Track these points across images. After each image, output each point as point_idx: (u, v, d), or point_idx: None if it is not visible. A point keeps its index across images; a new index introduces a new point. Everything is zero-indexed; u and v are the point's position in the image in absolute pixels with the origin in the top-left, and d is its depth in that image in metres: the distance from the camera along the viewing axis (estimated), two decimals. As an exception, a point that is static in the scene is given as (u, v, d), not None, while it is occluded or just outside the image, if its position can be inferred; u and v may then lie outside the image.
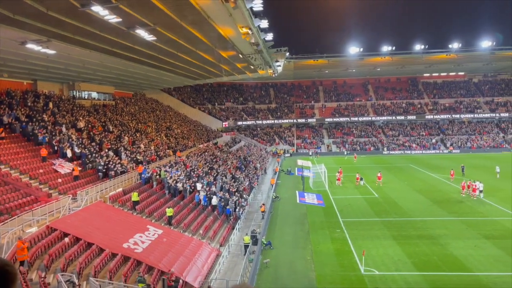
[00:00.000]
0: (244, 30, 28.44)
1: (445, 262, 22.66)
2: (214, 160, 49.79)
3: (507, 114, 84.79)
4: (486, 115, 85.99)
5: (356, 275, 21.71)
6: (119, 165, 32.46)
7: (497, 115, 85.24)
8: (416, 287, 20.08)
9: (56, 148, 30.68)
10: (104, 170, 30.57)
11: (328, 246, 26.37)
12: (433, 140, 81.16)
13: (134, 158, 36.39)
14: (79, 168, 29.21)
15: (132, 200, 28.13)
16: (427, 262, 22.82)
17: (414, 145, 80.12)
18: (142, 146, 41.56)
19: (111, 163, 31.74)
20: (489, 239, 25.89)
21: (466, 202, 36.22)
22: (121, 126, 45.27)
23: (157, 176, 34.19)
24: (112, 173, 30.43)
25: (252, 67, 48.96)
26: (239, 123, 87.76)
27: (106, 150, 34.45)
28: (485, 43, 71.44)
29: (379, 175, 45.58)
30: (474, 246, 24.84)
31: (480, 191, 37.08)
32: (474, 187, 37.62)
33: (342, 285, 20.76)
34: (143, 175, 33.16)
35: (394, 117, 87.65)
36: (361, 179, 45.76)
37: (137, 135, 45.38)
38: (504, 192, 38.51)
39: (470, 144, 78.30)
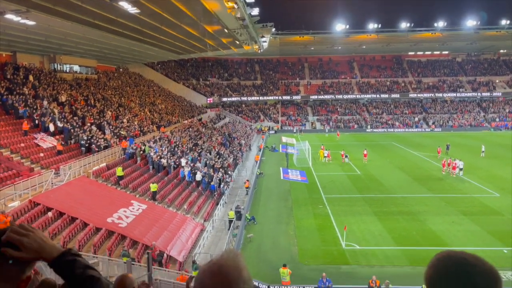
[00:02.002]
0: (230, 4, 28.01)
1: (423, 237, 23.36)
2: (198, 136, 49.68)
3: (488, 94, 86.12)
4: (468, 94, 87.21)
5: (338, 249, 22.26)
6: (102, 140, 32.14)
7: (479, 94, 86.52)
8: (395, 261, 20.74)
9: (37, 122, 30.15)
10: (87, 145, 30.25)
11: (311, 221, 26.85)
12: (416, 119, 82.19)
13: (118, 133, 36.05)
14: (62, 143, 28.84)
15: (117, 175, 28.02)
16: (406, 237, 23.49)
17: (397, 123, 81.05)
18: (125, 121, 41.14)
19: (94, 138, 31.40)
20: (467, 215, 26.69)
21: (446, 179, 37.08)
22: (104, 101, 44.60)
23: (141, 152, 34.02)
24: (95, 148, 30.15)
25: (237, 42, 48.42)
26: (224, 99, 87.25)
27: (89, 125, 34.01)
28: (470, 22, 71.74)
29: (365, 152, 46.13)
30: (451, 222, 25.61)
31: (460, 169, 37.95)
32: (454, 165, 38.47)
33: (324, 259, 21.28)
34: (127, 151, 32.91)
35: (378, 95, 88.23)
36: (346, 156, 46.29)
37: (120, 110, 44.82)
38: (483, 171, 39.51)
39: (452, 123, 79.58)
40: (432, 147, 52.20)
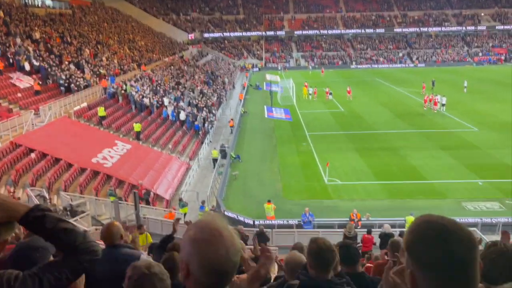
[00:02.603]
0: None
1: (403, 172, 24.12)
2: (180, 75, 48.70)
3: (473, 28, 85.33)
4: (453, 29, 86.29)
5: (320, 185, 22.91)
6: (82, 79, 31.27)
7: (464, 28, 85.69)
8: (376, 194, 21.53)
9: (11, 60, 28.97)
10: (66, 85, 29.41)
11: (295, 158, 27.33)
12: (400, 54, 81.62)
13: (97, 72, 35.05)
14: (39, 82, 27.98)
15: (99, 115, 27.63)
16: (386, 172, 24.20)
17: (381, 59, 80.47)
18: (104, 59, 39.85)
19: (73, 77, 30.49)
20: (445, 150, 27.44)
21: (427, 115, 37.63)
22: (81, 38, 42.80)
23: (123, 91, 33.36)
24: (75, 87, 29.38)
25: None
26: (206, 35, 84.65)
27: (67, 63, 32.88)
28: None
29: (348, 89, 46.06)
30: (431, 156, 26.35)
31: (442, 105, 38.38)
32: (436, 100, 38.88)
33: (307, 194, 21.95)
34: (108, 90, 32.19)
35: (363, 30, 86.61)
36: (330, 93, 46.22)
37: (99, 47, 43.21)
38: (464, 106, 40.07)
39: (436, 58, 79.37)
40: (416, 83, 52.36)
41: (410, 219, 16.95)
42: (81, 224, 15.34)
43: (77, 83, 30.01)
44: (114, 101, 32.09)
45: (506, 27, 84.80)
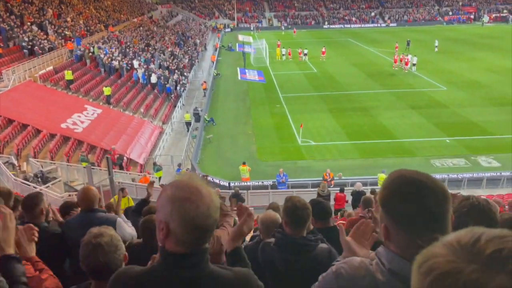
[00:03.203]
0: None
1: (374, 131, 24.60)
2: (150, 36, 47.21)
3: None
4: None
5: (294, 146, 23.18)
6: (46, 41, 29.90)
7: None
8: (348, 154, 21.98)
9: (-32, 22, 27.37)
10: (29, 47, 28.10)
11: (268, 120, 27.41)
12: (372, 13, 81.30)
13: (62, 34, 33.55)
14: (0, 45, 26.63)
15: (66, 79, 26.70)
16: (358, 132, 24.64)
17: (353, 18, 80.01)
18: (69, 19, 38.09)
19: (36, 39, 29.11)
20: (415, 109, 28.04)
21: (398, 75, 38.08)
22: (42, -3, 40.59)
23: (90, 53, 32.17)
24: (39, 50, 28.11)
25: None
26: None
27: (29, 24, 31.27)
28: None
29: (323, 50, 45.85)
30: (401, 116, 26.91)
31: (413, 64, 38.85)
32: (406, 60, 39.28)
33: (281, 156, 22.21)
34: (75, 53, 30.98)
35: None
36: (305, 54, 45.93)
37: (62, 7, 41.17)
38: (434, 65, 40.68)
39: (407, 18, 79.50)
40: (388, 43, 52.59)
41: (382, 176, 17.51)
42: (54, 190, 15.12)
43: (41, 45, 28.70)
44: (82, 64, 30.98)
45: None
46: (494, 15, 78.06)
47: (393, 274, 1.44)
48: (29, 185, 14.51)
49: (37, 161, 17.76)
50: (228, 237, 2.31)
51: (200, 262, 1.55)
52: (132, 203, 10.45)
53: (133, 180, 17.85)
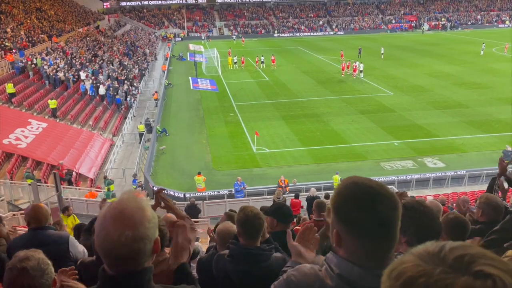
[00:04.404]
0: None
1: (326, 137, 25.17)
2: (97, 46, 45.90)
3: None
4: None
5: (249, 154, 23.25)
6: (-16, 53, 28.33)
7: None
8: (302, 160, 22.31)
9: None
10: (-35, 60, 26.53)
11: (223, 129, 27.34)
12: (320, 22, 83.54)
13: (2, 45, 31.90)
14: None
15: (7, 92, 25.36)
16: (311, 138, 25.11)
17: (302, 27, 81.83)
18: (9, 30, 36.31)
19: (-28, 51, 27.51)
20: (364, 114, 28.99)
21: (346, 81, 39.24)
22: (-21, 7, 38.51)
23: (33, 65, 30.78)
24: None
25: None
26: (123, 3, 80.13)
27: (-36, 36, 29.52)
28: None
29: (272, 58, 46.45)
30: (351, 121, 27.71)
31: (360, 71, 40.23)
32: (354, 67, 40.60)
33: (236, 164, 22.18)
34: (16, 64, 29.49)
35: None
36: (262, 62, 46.31)
37: (1, 17, 39.21)
38: (380, 71, 42.31)
39: (353, 26, 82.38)
40: (336, 51, 54.09)
41: (336, 178, 17.98)
42: (-4, 211, 14.24)
43: (-21, 57, 27.15)
44: (24, 77, 29.56)
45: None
46: (433, 23, 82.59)
47: (342, 279, 1.46)
48: (-32, 206, 13.58)
49: (-23, 180, 16.68)
50: (170, 255, 2.26)
51: (137, 284, 1.49)
52: (78, 221, 10.04)
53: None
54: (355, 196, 1.44)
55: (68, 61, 34.82)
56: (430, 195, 15.43)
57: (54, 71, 30.83)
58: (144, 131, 25.91)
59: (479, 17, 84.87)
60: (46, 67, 30.88)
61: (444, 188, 19.22)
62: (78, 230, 7.05)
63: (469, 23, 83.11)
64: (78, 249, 3.97)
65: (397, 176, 19.54)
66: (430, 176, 19.78)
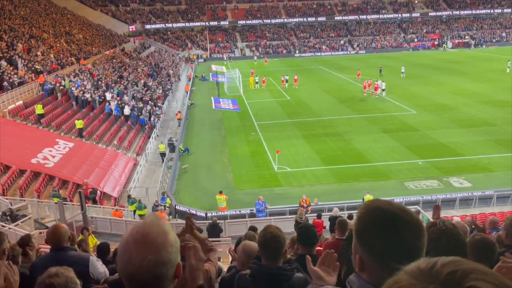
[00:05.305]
0: None
1: (348, 156, 24.95)
2: (123, 68, 47.16)
3: (408, 15, 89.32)
4: (390, 16, 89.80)
5: (270, 173, 23.22)
6: (16, 76, 29.43)
7: (399, 15, 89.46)
8: (323, 179, 22.13)
9: None
10: (-2, 82, 27.56)
11: (244, 148, 27.46)
12: (341, 42, 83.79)
13: (32, 68, 33.13)
14: (-33, 81, 26.07)
15: (36, 113, 26.22)
16: (333, 156, 24.94)
17: (324, 47, 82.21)
18: (39, 54, 37.71)
19: (5, 74, 28.62)
20: (387, 133, 28.68)
21: (368, 100, 39.04)
22: (12, 32, 40.18)
23: (61, 87, 31.80)
24: (8, 85, 27.57)
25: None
26: (147, 26, 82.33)
27: (-3, 60, 30.78)
28: None
29: (295, 77, 46.71)
30: (374, 140, 27.44)
31: (382, 90, 39.98)
32: (376, 86, 40.39)
33: (258, 183, 22.17)
34: (45, 86, 30.52)
35: (305, 19, 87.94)
36: (287, 81, 46.68)
37: (32, 41, 40.80)
38: (402, 90, 41.95)
39: (375, 45, 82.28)
40: (357, 70, 54.01)
41: (369, 197, 17.50)
42: (23, 228, 14.57)
43: (11, 80, 28.22)
44: (53, 98, 30.54)
45: (438, 13, 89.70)
46: (457, 41, 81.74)
47: None
48: (-3, 224, 13.96)
49: (6, 198, 17.16)
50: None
51: None
52: (96, 240, 10.16)
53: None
54: (378, 222, 1.43)
55: (95, 83, 35.83)
56: (457, 216, 15.02)
57: (81, 92, 31.76)
58: (164, 151, 26.24)
59: (504, 34, 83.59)
60: (73, 88, 31.86)
61: (471, 208, 18.69)
62: (102, 250, 7.15)
63: (494, 40, 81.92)
64: (99, 270, 3.99)
65: (422, 196, 19.14)
66: (457, 196, 19.28)
